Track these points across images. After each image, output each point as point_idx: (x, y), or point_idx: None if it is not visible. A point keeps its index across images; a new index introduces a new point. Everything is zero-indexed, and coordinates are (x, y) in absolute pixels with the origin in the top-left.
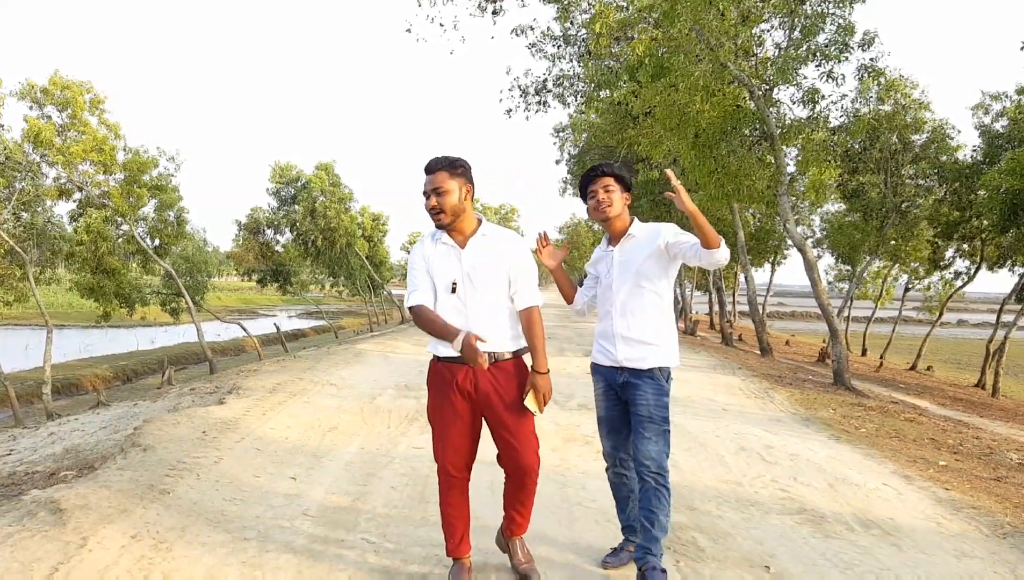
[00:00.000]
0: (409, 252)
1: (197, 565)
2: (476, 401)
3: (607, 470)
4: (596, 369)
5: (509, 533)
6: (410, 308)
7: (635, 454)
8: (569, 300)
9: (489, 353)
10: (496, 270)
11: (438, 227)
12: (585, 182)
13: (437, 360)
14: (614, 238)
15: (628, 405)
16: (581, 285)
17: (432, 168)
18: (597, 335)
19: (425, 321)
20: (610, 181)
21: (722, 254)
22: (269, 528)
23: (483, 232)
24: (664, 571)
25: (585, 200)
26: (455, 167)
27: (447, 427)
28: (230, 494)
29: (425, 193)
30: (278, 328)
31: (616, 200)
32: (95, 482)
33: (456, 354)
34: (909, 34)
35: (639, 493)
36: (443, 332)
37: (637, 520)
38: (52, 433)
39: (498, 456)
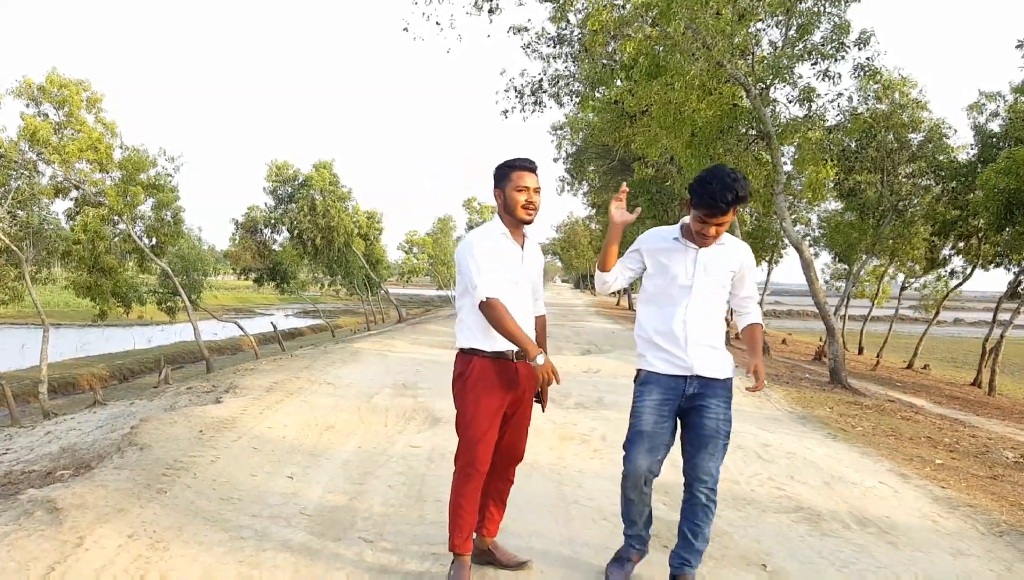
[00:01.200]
0: (407, 251)
1: (194, 564)
2: (513, 397)
3: (627, 488)
4: (652, 378)
5: (487, 532)
6: (484, 300)
7: (692, 470)
8: (606, 267)
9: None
10: (537, 274)
11: (517, 222)
12: (703, 206)
13: (483, 356)
14: (695, 240)
15: (687, 417)
16: (576, 286)
17: (533, 167)
18: (652, 338)
19: (498, 317)
20: (732, 215)
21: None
22: (266, 527)
23: (530, 237)
24: None
25: (697, 206)
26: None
27: (491, 426)
28: (227, 493)
29: (525, 188)
30: (275, 327)
31: (724, 230)
32: (92, 481)
33: (504, 350)
34: (908, 33)
35: (685, 505)
36: (521, 340)
37: (679, 529)
38: (49, 432)
39: (497, 449)
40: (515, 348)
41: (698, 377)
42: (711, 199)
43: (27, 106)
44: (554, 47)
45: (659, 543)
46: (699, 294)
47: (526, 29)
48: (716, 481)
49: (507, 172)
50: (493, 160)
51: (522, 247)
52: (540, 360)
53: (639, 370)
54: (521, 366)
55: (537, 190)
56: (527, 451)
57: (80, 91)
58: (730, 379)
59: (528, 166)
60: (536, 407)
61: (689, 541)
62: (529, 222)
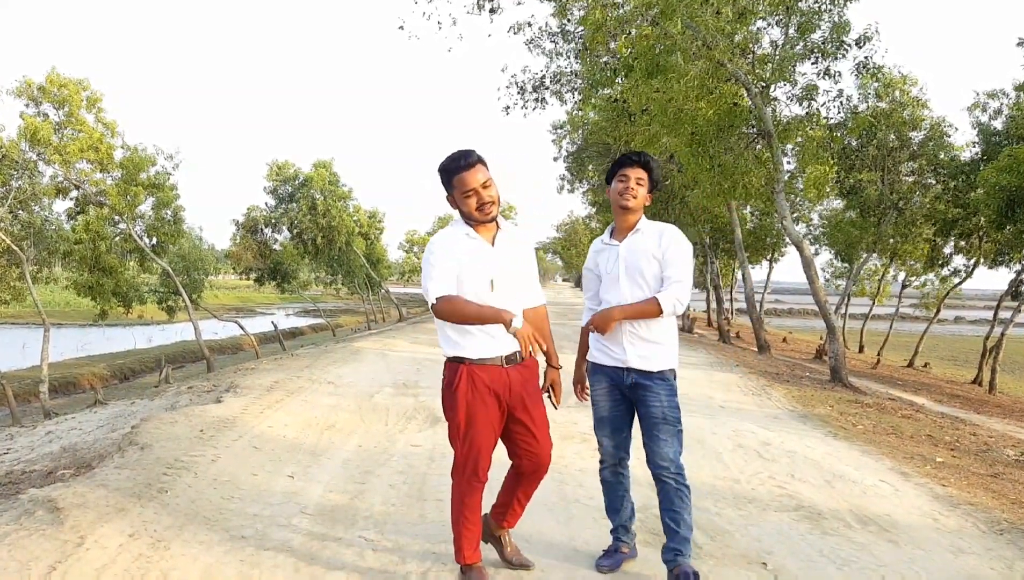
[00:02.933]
0: (407, 251)
1: (195, 563)
2: (508, 403)
3: (603, 470)
4: (597, 369)
5: (507, 524)
6: (436, 301)
7: (651, 457)
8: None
9: (518, 352)
10: (522, 267)
11: (477, 222)
12: (620, 164)
13: (470, 364)
14: (620, 231)
15: (635, 406)
16: (577, 285)
17: (472, 163)
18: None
19: (458, 309)
20: (644, 175)
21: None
22: (267, 526)
23: (505, 228)
24: (697, 573)
25: (610, 181)
26: (483, 160)
27: (486, 436)
28: (228, 492)
29: (472, 191)
30: (276, 326)
31: (641, 194)
32: (93, 481)
33: (491, 356)
34: (907, 32)
35: (660, 495)
36: (489, 315)
37: (662, 522)
38: (49, 432)
39: (514, 454)
40: (504, 353)
41: (632, 369)
42: (631, 155)
43: (27, 106)
44: (556, 44)
45: (659, 541)
46: (626, 288)
47: (529, 24)
48: (678, 466)
49: (448, 178)
50: (491, 159)
51: (492, 243)
52: (517, 323)
53: (588, 362)
54: (512, 370)
55: (487, 184)
56: None
57: (80, 91)
58: (668, 370)
59: (465, 164)
60: (554, 407)
61: (673, 530)
62: (491, 219)
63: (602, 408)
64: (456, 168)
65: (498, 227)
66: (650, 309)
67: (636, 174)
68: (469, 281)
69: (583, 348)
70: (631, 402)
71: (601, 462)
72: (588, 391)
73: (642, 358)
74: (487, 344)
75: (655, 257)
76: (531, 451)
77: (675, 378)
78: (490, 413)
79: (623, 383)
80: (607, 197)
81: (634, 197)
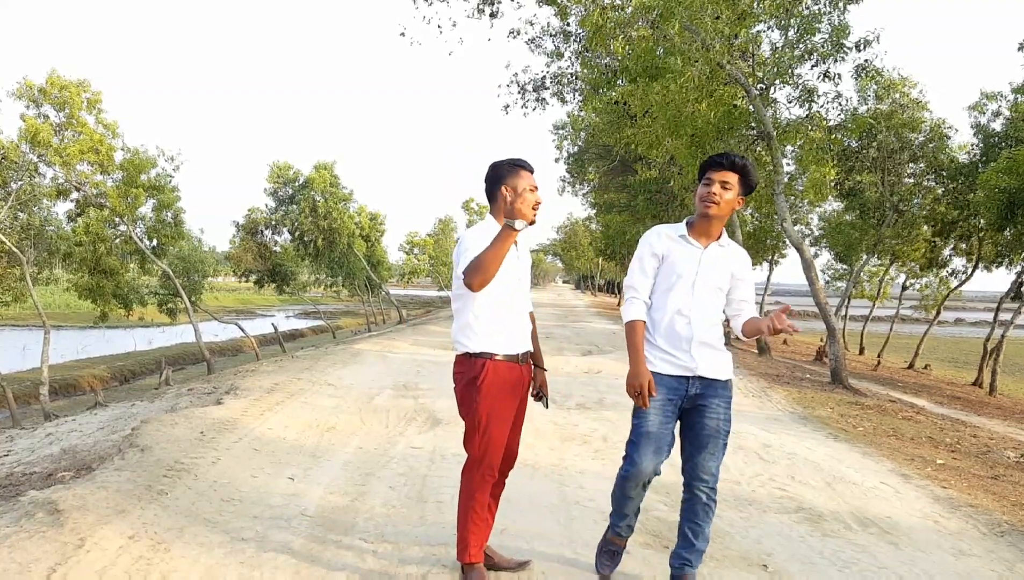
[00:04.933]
0: (408, 252)
1: (195, 565)
2: (520, 398)
3: (628, 486)
4: (655, 378)
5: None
6: (464, 272)
7: (693, 470)
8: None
9: (528, 351)
10: (528, 273)
11: (528, 223)
12: (710, 165)
13: (496, 359)
14: (702, 235)
15: (689, 417)
16: (577, 287)
17: (533, 168)
18: (653, 338)
19: (481, 259)
20: (732, 178)
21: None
22: (267, 528)
23: (521, 234)
24: None
25: (700, 177)
26: None
27: (503, 432)
28: (228, 494)
29: (534, 188)
30: (276, 328)
31: (729, 200)
32: (93, 483)
33: (517, 353)
34: (908, 34)
35: (686, 505)
36: (498, 241)
37: (680, 530)
38: (50, 434)
39: None
40: (520, 350)
41: (700, 378)
42: (720, 156)
43: (28, 108)
44: (557, 45)
45: (660, 543)
46: (702, 293)
47: (531, 24)
48: (716, 480)
49: (516, 171)
50: (490, 160)
51: (516, 245)
52: (519, 225)
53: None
54: (524, 368)
55: (536, 190)
56: (529, 452)
57: (80, 92)
58: (731, 380)
59: (530, 167)
60: (545, 406)
61: (690, 541)
62: (534, 222)
63: (652, 423)
64: (525, 166)
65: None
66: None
67: (721, 177)
68: (501, 278)
69: (640, 345)
70: (678, 420)
71: (627, 479)
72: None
73: (711, 366)
74: (509, 341)
75: (731, 272)
76: (512, 448)
77: (731, 389)
78: (509, 409)
79: (684, 394)
80: (608, 199)
81: (716, 203)
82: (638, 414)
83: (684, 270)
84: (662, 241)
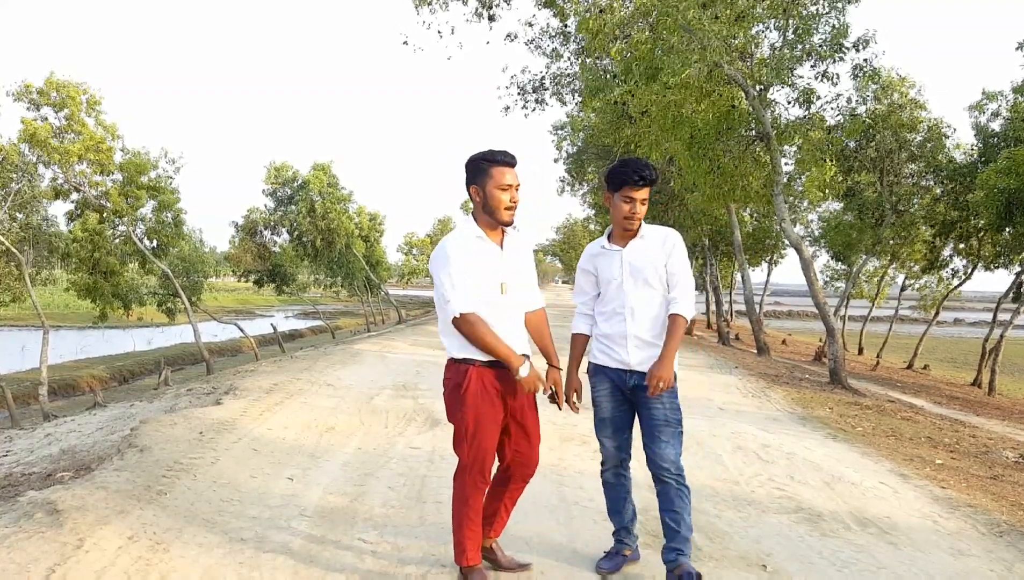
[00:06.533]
0: (406, 253)
1: (194, 566)
2: (511, 405)
3: (604, 471)
4: (599, 370)
5: (494, 533)
6: (458, 316)
7: (652, 458)
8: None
9: (523, 355)
10: (526, 270)
11: (497, 223)
12: (622, 182)
13: (479, 366)
14: (621, 238)
15: (636, 407)
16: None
17: (514, 162)
18: (600, 335)
19: (478, 334)
20: (648, 192)
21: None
22: (266, 529)
23: (510, 232)
24: (699, 574)
25: (612, 189)
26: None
27: (493, 438)
28: (227, 495)
29: (507, 186)
30: (275, 328)
31: (645, 210)
32: (92, 483)
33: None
34: (905, 33)
35: (660, 496)
36: (502, 353)
37: (662, 523)
38: (49, 434)
39: (504, 456)
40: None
41: (636, 371)
42: (636, 174)
43: (28, 109)
44: (555, 45)
45: (659, 543)
46: (631, 293)
47: (530, 25)
48: (679, 467)
49: (486, 167)
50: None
51: (501, 246)
52: (523, 372)
53: (589, 362)
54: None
55: (518, 187)
56: None
57: (80, 94)
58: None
59: (509, 161)
60: (559, 407)
61: (674, 531)
62: (510, 224)
63: (604, 409)
64: (500, 160)
65: (504, 231)
66: (681, 329)
67: (641, 196)
68: (482, 284)
69: (577, 355)
70: (632, 403)
71: (603, 464)
72: (579, 402)
73: (646, 361)
74: None
75: (660, 263)
76: (523, 454)
77: (676, 380)
78: (497, 415)
79: (625, 385)
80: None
81: (640, 218)
82: (593, 402)
83: (611, 275)
84: (588, 259)
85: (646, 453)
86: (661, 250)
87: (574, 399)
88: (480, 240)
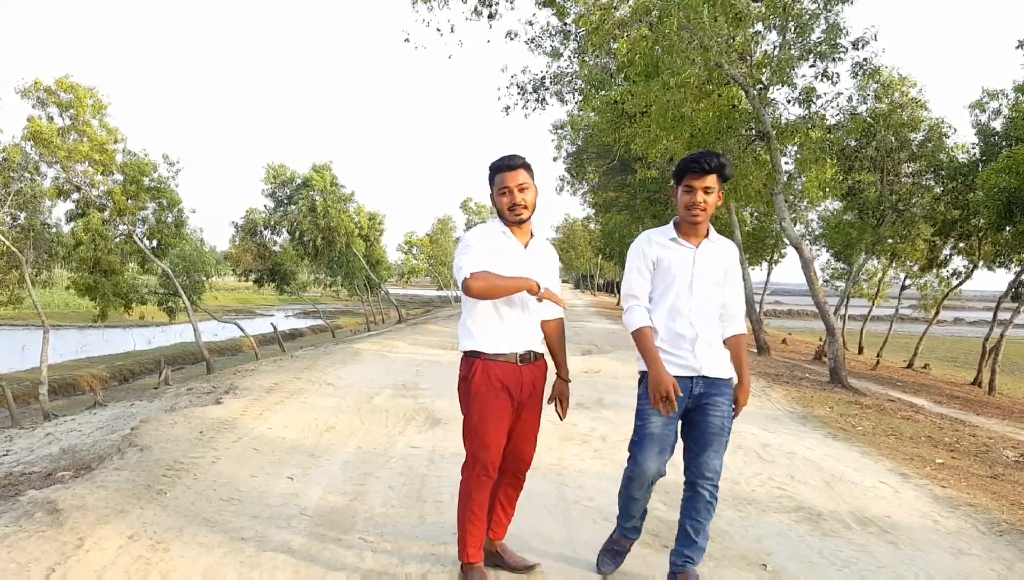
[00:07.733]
0: (406, 252)
1: (195, 565)
2: (518, 399)
3: (635, 490)
4: None
5: (495, 535)
6: (468, 276)
7: (697, 467)
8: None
9: (532, 352)
10: (547, 275)
11: (509, 222)
12: (683, 169)
13: (485, 359)
14: (690, 235)
15: (691, 416)
16: (577, 286)
17: (515, 165)
18: (659, 339)
19: (490, 281)
20: (714, 180)
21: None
22: (266, 528)
23: (537, 237)
24: None
25: (676, 182)
26: (529, 166)
27: (498, 430)
28: (227, 494)
29: (506, 189)
30: (275, 328)
31: (712, 202)
32: (92, 482)
33: (507, 352)
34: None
35: (688, 502)
36: (519, 285)
37: (680, 527)
38: (49, 433)
39: (506, 453)
40: (519, 351)
41: (704, 377)
42: (695, 162)
43: (32, 107)
44: (555, 44)
45: (659, 543)
46: (700, 293)
47: (530, 24)
48: (719, 478)
49: (491, 175)
50: (491, 160)
51: (525, 246)
52: (541, 289)
53: (643, 372)
54: (525, 369)
55: (523, 187)
56: None
57: (87, 96)
58: (733, 378)
59: (508, 165)
60: (560, 417)
61: (691, 539)
62: (520, 221)
63: (655, 424)
64: (499, 166)
65: (531, 234)
66: (745, 347)
67: (703, 185)
68: (502, 274)
69: (655, 350)
70: (681, 416)
71: (631, 479)
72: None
73: (714, 365)
74: (503, 341)
75: (723, 270)
76: (520, 450)
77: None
78: (502, 409)
79: (688, 394)
80: (607, 198)
81: (703, 211)
82: (641, 415)
83: (680, 272)
84: (653, 247)
85: (691, 461)
86: (727, 256)
87: (675, 400)
88: (503, 235)
